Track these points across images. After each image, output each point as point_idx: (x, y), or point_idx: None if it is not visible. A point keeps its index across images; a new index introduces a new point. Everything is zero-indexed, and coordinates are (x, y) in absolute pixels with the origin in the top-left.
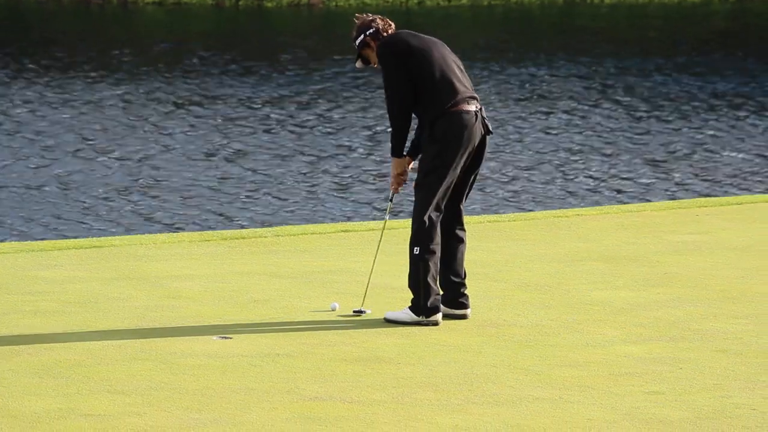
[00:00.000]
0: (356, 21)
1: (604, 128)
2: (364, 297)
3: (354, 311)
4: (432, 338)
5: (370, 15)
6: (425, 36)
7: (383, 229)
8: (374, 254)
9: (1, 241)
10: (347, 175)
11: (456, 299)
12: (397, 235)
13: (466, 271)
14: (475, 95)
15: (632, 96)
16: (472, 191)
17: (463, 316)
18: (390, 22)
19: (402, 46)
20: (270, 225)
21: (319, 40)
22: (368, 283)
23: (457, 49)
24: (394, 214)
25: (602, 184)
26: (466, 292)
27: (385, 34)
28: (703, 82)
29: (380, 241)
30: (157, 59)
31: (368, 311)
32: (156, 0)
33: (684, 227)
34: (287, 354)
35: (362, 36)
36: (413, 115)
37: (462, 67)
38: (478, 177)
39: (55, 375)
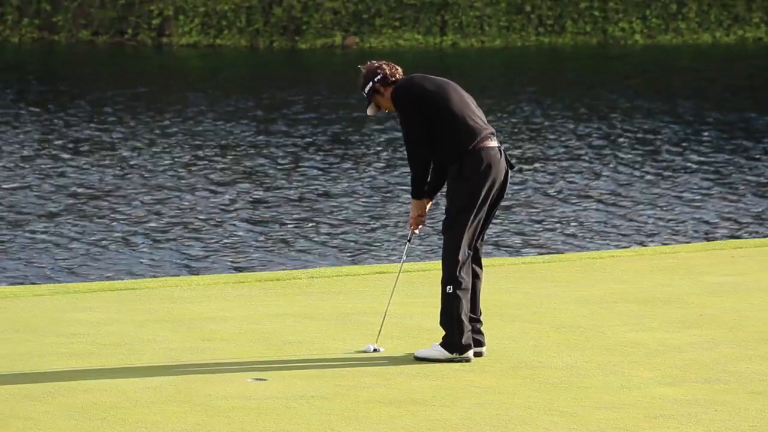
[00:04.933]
0: (362, 69)
1: (639, 170)
2: (378, 335)
3: (367, 348)
4: (466, 380)
5: (376, 62)
6: (437, 77)
7: (399, 270)
8: (390, 293)
9: (37, 283)
10: (379, 217)
11: (472, 336)
12: (416, 276)
13: (487, 309)
14: (494, 131)
15: (666, 138)
16: (491, 229)
17: (479, 354)
18: (396, 67)
19: (418, 90)
20: (305, 267)
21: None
22: (382, 323)
23: (487, 89)
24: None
25: (637, 225)
26: (481, 329)
27: (393, 79)
28: (736, 122)
29: (396, 281)
30: (194, 99)
31: (382, 349)
32: (190, 42)
33: (719, 269)
34: (322, 396)
35: (370, 83)
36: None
37: (476, 104)
38: (514, 221)
39: (90, 417)
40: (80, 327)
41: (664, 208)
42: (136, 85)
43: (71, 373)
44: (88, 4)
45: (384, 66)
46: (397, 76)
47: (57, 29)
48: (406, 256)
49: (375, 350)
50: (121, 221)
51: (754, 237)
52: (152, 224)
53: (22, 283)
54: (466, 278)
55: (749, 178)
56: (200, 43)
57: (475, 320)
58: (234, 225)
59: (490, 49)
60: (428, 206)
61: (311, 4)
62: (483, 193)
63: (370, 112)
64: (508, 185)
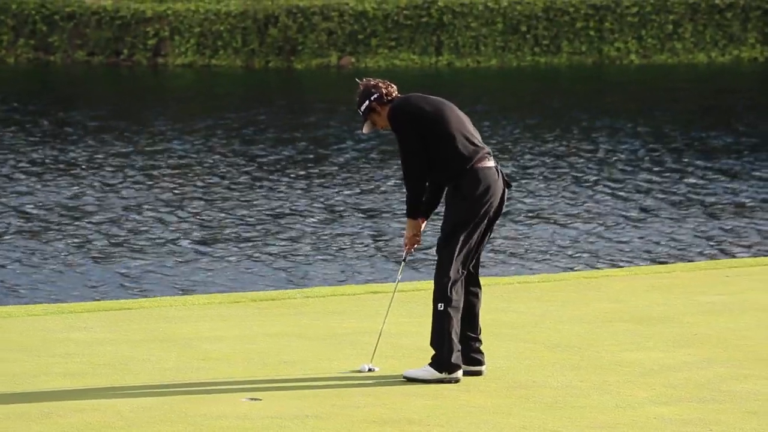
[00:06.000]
0: (359, 85)
1: (633, 189)
2: (373, 355)
3: (362, 368)
4: (461, 399)
5: (372, 80)
6: (434, 97)
7: (395, 290)
8: (385, 313)
9: (31, 303)
10: (374, 236)
11: (471, 355)
12: (411, 295)
13: (482, 328)
14: (491, 151)
15: (660, 156)
16: (487, 249)
17: (478, 373)
18: (392, 85)
19: (414, 110)
20: (299, 286)
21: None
22: (377, 342)
23: (484, 108)
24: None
25: (632, 244)
26: (481, 348)
27: (389, 97)
28: (733, 142)
29: (392, 300)
30: (187, 120)
31: (377, 369)
32: (186, 62)
33: (714, 288)
34: (317, 415)
35: (367, 102)
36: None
37: (472, 124)
38: (511, 240)
39: None
40: (75, 347)
41: (657, 228)
42: (119, 105)
43: (65, 393)
44: (83, 24)
45: (380, 84)
46: (394, 94)
47: (53, 50)
48: (401, 276)
49: (370, 370)
50: (105, 238)
51: (746, 257)
52: (145, 245)
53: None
54: (457, 297)
55: (733, 199)
56: (196, 63)
57: (475, 339)
58: (225, 244)
59: (485, 69)
60: (423, 226)
61: (307, 24)
62: (480, 213)
63: (365, 130)
64: (505, 205)
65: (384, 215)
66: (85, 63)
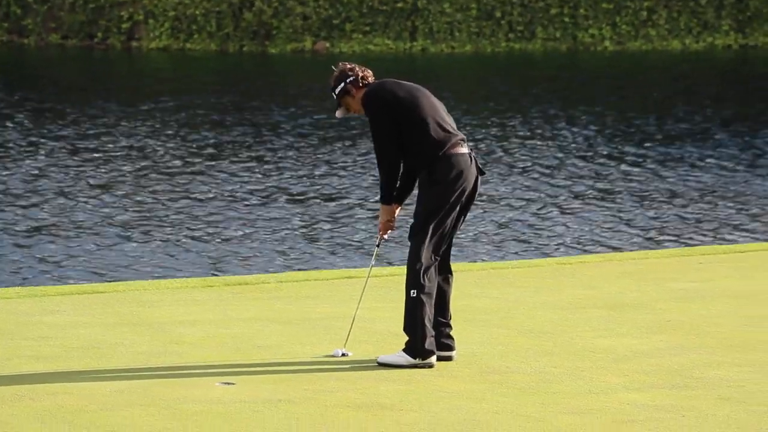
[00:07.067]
0: (334, 70)
1: (607, 175)
2: (347, 340)
3: (335, 353)
4: (434, 384)
5: (348, 63)
6: (408, 83)
7: (368, 275)
8: (359, 298)
9: (4, 286)
10: (349, 221)
11: (441, 340)
12: (385, 281)
13: (455, 314)
14: (464, 137)
15: (636, 143)
16: (459, 236)
17: (448, 358)
18: (367, 70)
19: (388, 95)
20: (273, 271)
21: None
22: (351, 327)
23: (457, 94)
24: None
25: (606, 231)
26: (451, 333)
27: (364, 81)
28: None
29: (365, 285)
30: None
31: (350, 354)
32: (160, 46)
33: (687, 275)
34: (290, 400)
35: (342, 84)
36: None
37: (446, 111)
38: (485, 226)
39: (57, 420)
40: (48, 330)
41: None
42: (84, 88)
43: (38, 376)
44: (58, 7)
45: (356, 68)
46: (369, 79)
47: (27, 33)
48: (375, 261)
49: (343, 354)
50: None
51: (719, 244)
52: (118, 228)
53: None
54: (429, 283)
55: (694, 184)
56: (170, 47)
57: (445, 324)
58: (203, 227)
59: (460, 54)
60: (397, 212)
61: (281, 9)
62: (452, 199)
63: (339, 114)
64: (478, 191)
65: (350, 201)
66: (58, 46)
